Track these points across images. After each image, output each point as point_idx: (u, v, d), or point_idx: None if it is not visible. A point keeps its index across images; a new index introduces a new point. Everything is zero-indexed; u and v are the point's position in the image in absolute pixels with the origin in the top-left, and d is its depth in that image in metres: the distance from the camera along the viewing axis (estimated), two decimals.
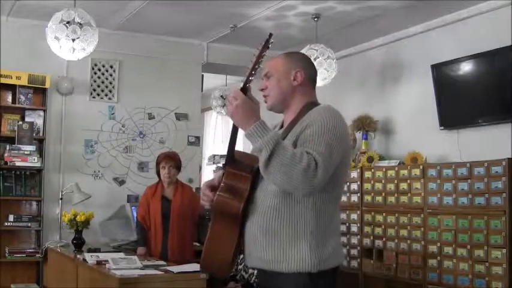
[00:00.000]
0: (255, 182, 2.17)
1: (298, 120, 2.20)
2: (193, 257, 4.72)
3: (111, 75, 6.24)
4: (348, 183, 5.42)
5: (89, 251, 4.65)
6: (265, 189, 2.14)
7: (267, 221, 2.12)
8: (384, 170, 5.18)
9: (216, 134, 9.24)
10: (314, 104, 2.28)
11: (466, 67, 5.06)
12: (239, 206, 2.13)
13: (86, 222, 4.93)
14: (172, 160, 4.80)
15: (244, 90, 2.10)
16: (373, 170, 5.31)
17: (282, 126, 2.34)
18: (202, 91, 7.00)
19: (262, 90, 2.33)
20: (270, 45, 2.12)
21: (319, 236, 2.11)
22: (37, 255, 5.54)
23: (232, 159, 2.19)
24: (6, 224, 5.48)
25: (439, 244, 4.63)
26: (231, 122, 2.17)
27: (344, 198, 5.43)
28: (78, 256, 4.50)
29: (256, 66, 2.11)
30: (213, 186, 2.25)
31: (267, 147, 1.97)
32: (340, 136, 2.10)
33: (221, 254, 2.16)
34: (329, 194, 2.13)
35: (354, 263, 5.37)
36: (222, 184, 2.16)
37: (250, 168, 2.17)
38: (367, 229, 5.28)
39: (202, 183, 8.22)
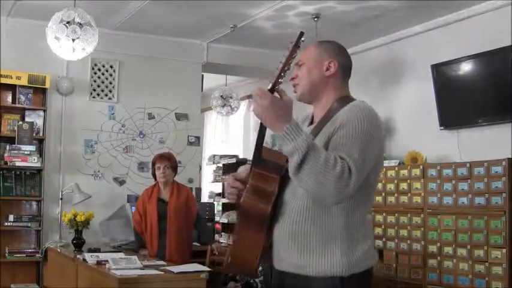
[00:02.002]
0: (283, 183, 2.06)
1: (330, 117, 2.07)
2: (191, 258, 4.70)
3: (111, 75, 6.24)
4: None
5: (89, 251, 4.65)
6: (294, 191, 2.04)
7: (296, 225, 2.03)
8: (384, 170, 5.18)
9: (216, 134, 9.24)
10: (347, 98, 2.14)
11: (466, 67, 5.06)
12: (267, 208, 2.02)
13: (86, 222, 4.92)
14: (167, 160, 4.77)
15: (272, 91, 1.95)
16: None
17: (311, 121, 2.22)
18: (202, 91, 7.00)
19: (292, 79, 2.18)
20: (300, 45, 1.97)
21: (350, 239, 2.01)
22: (37, 255, 5.54)
23: (259, 158, 2.07)
24: (6, 224, 5.48)
25: (439, 244, 4.64)
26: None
27: None
28: (78, 256, 4.50)
29: (286, 68, 1.95)
30: (240, 179, 2.17)
31: (299, 152, 1.85)
32: (375, 138, 1.98)
33: (247, 257, 2.06)
34: (361, 197, 2.02)
35: None
36: (248, 185, 2.04)
37: (279, 169, 2.05)
38: None
39: (202, 183, 8.23)
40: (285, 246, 2.06)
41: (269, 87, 1.96)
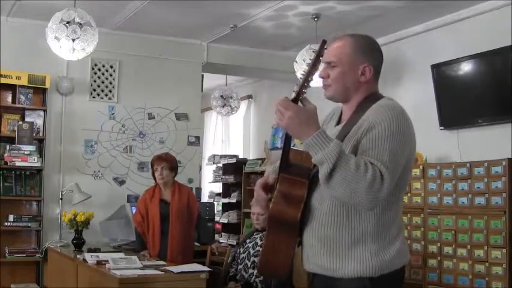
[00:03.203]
0: (311, 186, 2.02)
1: (358, 117, 2.02)
2: (192, 258, 4.71)
3: (111, 75, 6.23)
4: None
5: (89, 251, 4.65)
6: (321, 194, 2.00)
7: (324, 228, 2.00)
8: None
9: (216, 134, 9.25)
10: (375, 96, 2.08)
11: (466, 67, 5.06)
12: (297, 214, 1.99)
13: (86, 222, 4.93)
14: (164, 161, 4.76)
15: (296, 101, 1.90)
16: None
17: (339, 120, 2.17)
18: (202, 91, 7.00)
19: (322, 78, 2.09)
20: (323, 54, 1.93)
21: (380, 241, 1.98)
22: (37, 255, 5.53)
23: (287, 163, 2.04)
24: (6, 224, 5.47)
25: (439, 244, 4.64)
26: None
27: None
28: (78, 256, 4.50)
29: (310, 79, 1.91)
30: (266, 186, 2.13)
31: (328, 161, 1.82)
32: (405, 138, 1.94)
33: (279, 262, 2.04)
34: (392, 197, 1.98)
35: None
36: (276, 192, 2.01)
37: (307, 172, 2.02)
38: None
39: (202, 183, 8.24)
40: (314, 249, 2.04)
41: (293, 97, 1.92)
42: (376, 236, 1.98)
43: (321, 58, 1.93)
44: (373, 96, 2.08)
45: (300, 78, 1.93)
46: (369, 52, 2.09)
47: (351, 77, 2.07)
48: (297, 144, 2.16)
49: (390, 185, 1.86)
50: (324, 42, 1.91)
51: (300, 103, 1.92)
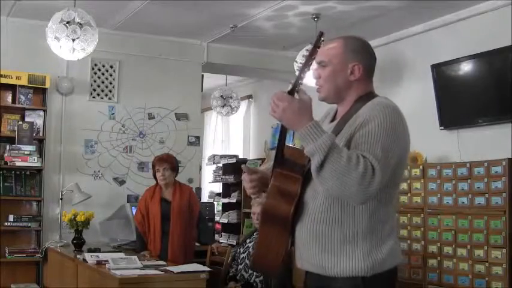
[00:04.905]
0: (305, 182, 2.03)
1: (352, 114, 2.05)
2: (193, 257, 4.71)
3: (111, 75, 6.23)
4: None
5: (89, 251, 4.65)
6: (315, 190, 2.01)
7: (317, 225, 2.00)
8: None
9: (216, 134, 9.25)
10: (370, 94, 2.11)
11: (466, 67, 5.06)
12: (289, 209, 2.01)
13: (86, 222, 4.93)
14: (165, 162, 4.78)
15: (292, 93, 1.93)
16: None
17: (333, 118, 2.19)
18: (202, 91, 7.00)
19: (315, 78, 2.14)
20: (320, 45, 1.94)
21: (372, 239, 1.98)
22: (37, 255, 5.53)
23: (282, 159, 2.05)
24: (6, 224, 5.47)
25: (439, 244, 4.64)
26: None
27: None
28: (78, 256, 4.51)
29: (306, 69, 1.94)
30: (254, 172, 2.19)
31: (319, 152, 1.83)
32: (398, 135, 1.95)
33: (271, 258, 2.05)
34: (385, 195, 1.99)
35: None
36: (270, 186, 2.04)
37: (302, 169, 2.03)
38: None
39: (202, 183, 8.23)
40: (307, 246, 2.04)
41: (289, 89, 1.95)
42: (369, 234, 1.98)
43: (317, 49, 1.95)
44: (369, 95, 2.11)
45: (297, 69, 1.97)
46: (359, 52, 2.12)
47: (341, 76, 2.10)
48: (296, 144, 2.17)
49: (381, 179, 1.86)
50: (321, 33, 1.94)
51: (296, 95, 1.94)
